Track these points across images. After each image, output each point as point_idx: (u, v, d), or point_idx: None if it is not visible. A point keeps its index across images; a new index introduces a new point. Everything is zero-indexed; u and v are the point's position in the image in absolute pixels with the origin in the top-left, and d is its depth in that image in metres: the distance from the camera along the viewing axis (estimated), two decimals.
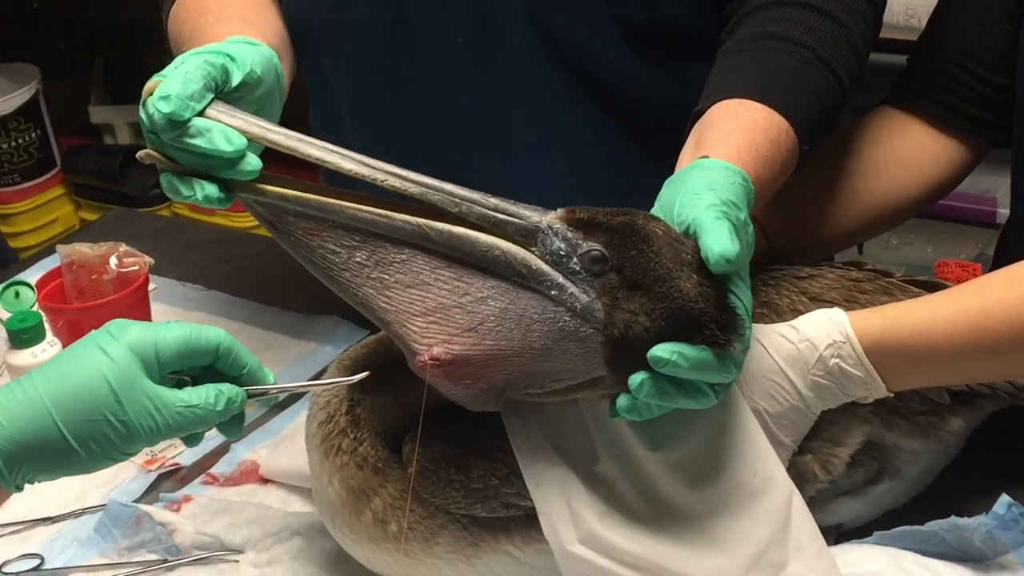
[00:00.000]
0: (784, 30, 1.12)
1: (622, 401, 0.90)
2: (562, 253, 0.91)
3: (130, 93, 3.26)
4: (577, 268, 0.91)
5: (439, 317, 0.92)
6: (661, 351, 0.87)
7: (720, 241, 0.87)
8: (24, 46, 3.23)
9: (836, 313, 1.01)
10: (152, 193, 3.10)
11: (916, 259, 2.72)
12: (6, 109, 3.04)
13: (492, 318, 0.92)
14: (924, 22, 1.32)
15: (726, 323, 0.88)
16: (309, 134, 0.94)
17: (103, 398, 0.86)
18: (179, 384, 0.91)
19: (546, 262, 0.91)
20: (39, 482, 0.89)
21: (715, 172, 0.95)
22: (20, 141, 3.08)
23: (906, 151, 1.28)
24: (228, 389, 0.91)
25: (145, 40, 3.13)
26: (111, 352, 0.88)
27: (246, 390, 0.92)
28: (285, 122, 0.96)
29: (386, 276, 0.93)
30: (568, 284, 0.91)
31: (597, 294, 0.90)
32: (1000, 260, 1.24)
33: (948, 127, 1.27)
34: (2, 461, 0.85)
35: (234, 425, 0.94)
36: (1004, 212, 2.63)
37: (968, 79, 1.25)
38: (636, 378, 0.88)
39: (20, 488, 0.88)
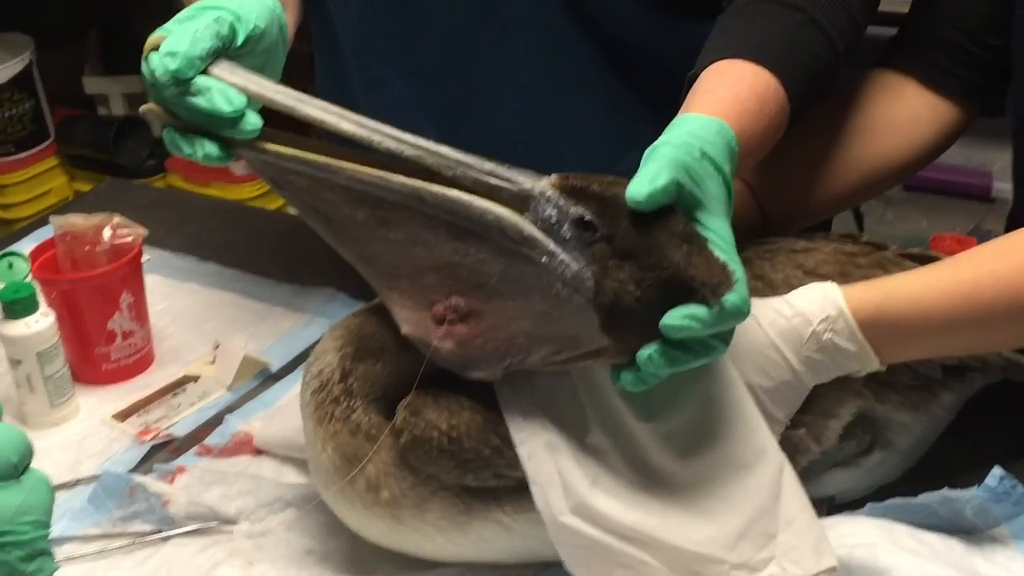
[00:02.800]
0: None
1: (626, 376, 0.91)
2: (553, 220, 0.91)
3: (125, 64, 3.25)
4: (568, 236, 0.91)
5: (450, 273, 0.94)
6: (672, 319, 0.87)
7: (638, 183, 0.87)
8: (17, 16, 3.21)
9: (829, 287, 1.01)
10: (147, 164, 3.09)
11: (911, 233, 2.72)
12: None
13: (494, 279, 0.93)
14: None
15: (716, 280, 0.88)
16: (313, 92, 0.95)
17: None
18: None
19: (538, 228, 0.91)
20: None
21: (690, 123, 0.95)
22: (13, 112, 3.06)
23: (899, 113, 1.28)
24: None
25: (140, 10, 3.11)
26: None
27: None
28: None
29: (390, 234, 0.94)
30: (559, 251, 0.91)
31: (588, 262, 0.90)
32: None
33: (942, 89, 1.27)
34: None
35: None
36: (999, 186, 2.63)
37: (962, 40, 1.25)
38: (644, 353, 0.89)
39: None
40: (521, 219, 0.92)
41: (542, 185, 0.92)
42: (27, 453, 0.81)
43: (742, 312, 0.89)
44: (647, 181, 0.88)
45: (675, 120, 0.97)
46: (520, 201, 0.92)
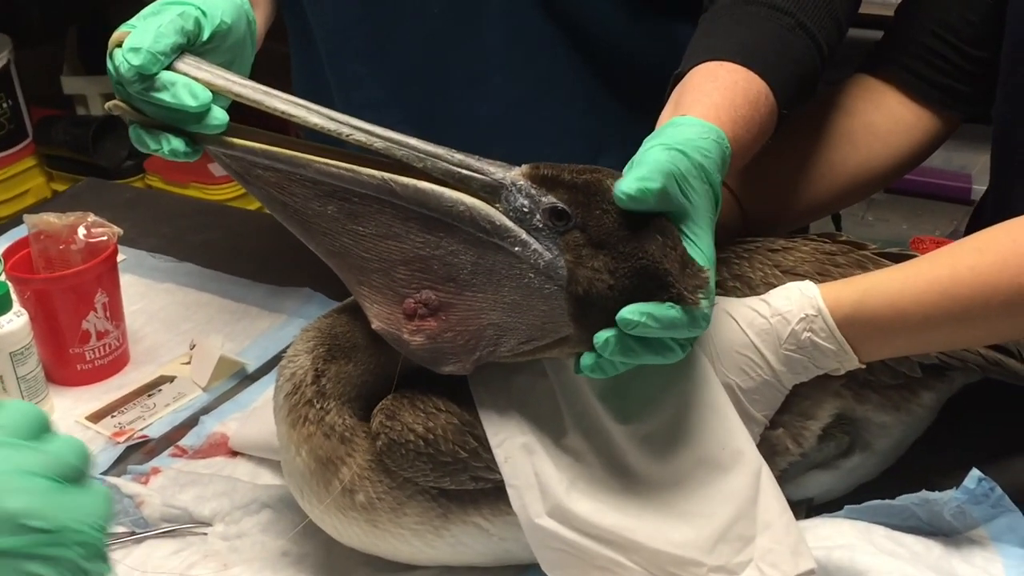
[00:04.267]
0: None
1: (586, 359, 0.90)
2: (525, 209, 0.91)
3: (103, 63, 3.20)
4: (540, 225, 0.91)
5: (421, 266, 0.94)
6: (630, 313, 0.87)
7: (628, 180, 0.87)
8: None
9: (807, 286, 1.01)
10: (125, 165, 3.08)
11: (891, 236, 2.73)
12: None
13: (465, 270, 0.92)
14: None
15: (690, 279, 0.88)
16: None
17: None
18: None
19: (510, 218, 0.91)
20: None
21: (689, 128, 0.95)
22: None
23: (880, 121, 1.27)
24: None
25: (118, 10, 3.09)
26: None
27: None
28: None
29: (361, 228, 0.94)
30: (531, 240, 0.91)
31: (560, 251, 0.90)
32: (973, 231, 1.25)
33: (923, 98, 1.27)
34: None
35: None
36: (979, 189, 2.64)
37: (945, 51, 1.25)
38: (602, 336, 0.88)
39: None
40: (493, 209, 0.91)
41: (513, 175, 0.92)
42: (87, 461, 0.80)
43: (703, 324, 0.89)
44: (637, 179, 0.88)
45: (673, 120, 0.97)
46: (491, 191, 0.92)
